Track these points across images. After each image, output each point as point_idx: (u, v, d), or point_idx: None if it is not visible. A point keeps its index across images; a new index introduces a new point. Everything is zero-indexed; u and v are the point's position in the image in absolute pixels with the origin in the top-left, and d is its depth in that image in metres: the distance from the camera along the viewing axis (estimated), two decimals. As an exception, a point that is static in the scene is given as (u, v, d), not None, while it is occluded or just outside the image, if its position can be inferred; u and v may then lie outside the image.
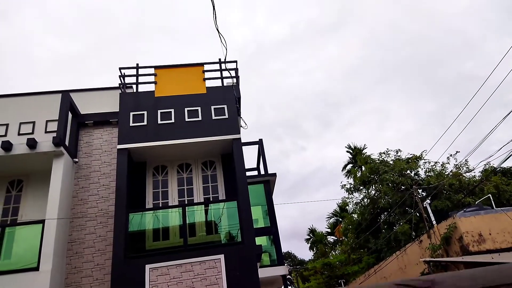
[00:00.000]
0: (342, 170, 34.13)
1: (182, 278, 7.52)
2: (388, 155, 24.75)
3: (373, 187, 24.74)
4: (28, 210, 8.94)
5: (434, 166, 22.99)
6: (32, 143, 8.51)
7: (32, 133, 9.61)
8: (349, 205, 28.73)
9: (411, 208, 20.43)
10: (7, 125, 9.75)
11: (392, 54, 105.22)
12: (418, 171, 23.42)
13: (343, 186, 27.34)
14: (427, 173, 22.94)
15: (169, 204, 9.36)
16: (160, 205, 9.36)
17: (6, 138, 9.32)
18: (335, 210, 37.10)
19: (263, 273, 10.63)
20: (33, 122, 9.79)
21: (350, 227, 27.97)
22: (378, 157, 25.02)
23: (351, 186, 27.19)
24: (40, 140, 8.74)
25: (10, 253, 7.91)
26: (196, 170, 9.99)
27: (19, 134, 9.61)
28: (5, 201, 9.12)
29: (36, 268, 7.47)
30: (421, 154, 23.64)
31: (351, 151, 34.16)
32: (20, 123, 9.78)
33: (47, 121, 9.78)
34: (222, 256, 7.81)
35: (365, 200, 25.72)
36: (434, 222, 15.56)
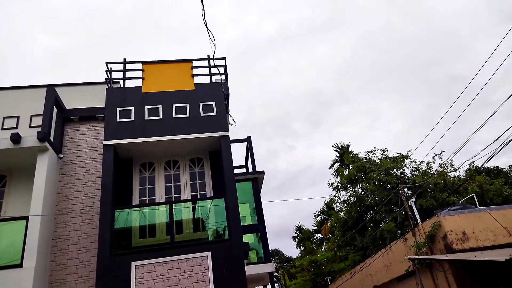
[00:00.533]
0: (330, 169, 34.37)
1: (169, 276, 7.48)
2: (375, 154, 25.00)
3: (360, 186, 24.96)
4: (11, 206, 8.78)
5: (420, 165, 23.32)
6: (16, 138, 8.34)
7: (16, 127, 9.43)
8: (336, 203, 28.96)
9: (396, 206, 20.68)
10: (-11, 119, 9.54)
11: (384, 54, 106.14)
12: (404, 170, 23.73)
13: (330, 185, 27.55)
14: (412, 172, 23.26)
15: (156, 201, 9.30)
16: (147, 202, 9.28)
17: (-11, 132, 9.14)
18: (322, 208, 37.33)
19: (250, 270, 10.65)
20: (17, 117, 9.61)
21: (337, 225, 28.19)
22: (365, 156, 25.25)
23: (338, 184, 27.40)
24: (24, 135, 8.58)
25: (-7, 249, 7.75)
26: (183, 167, 9.94)
27: (2, 128, 9.43)
28: (-12, 197, 8.94)
29: (20, 265, 7.36)
30: (407, 153, 23.96)
31: (339, 150, 34.41)
32: (4, 118, 9.60)
33: (31, 116, 9.59)
34: (209, 254, 7.80)
35: (352, 198, 25.95)
36: (419, 221, 15.78)
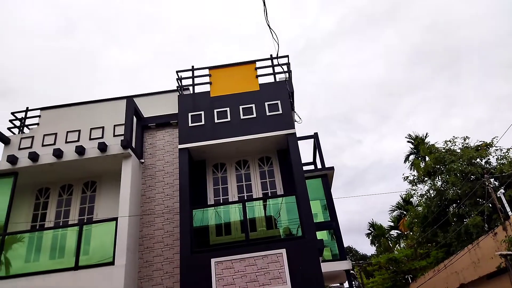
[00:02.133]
0: (405, 162, 32.62)
1: (246, 272, 7.68)
2: (454, 143, 23.24)
3: (439, 178, 23.39)
4: (102, 208, 9.59)
5: (507, 153, 21.19)
6: (102, 147, 9.14)
7: (102, 137, 10.30)
8: (414, 198, 27.44)
9: (482, 198, 19.07)
10: (79, 131, 10.56)
11: (455, 37, 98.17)
12: (489, 159, 21.74)
13: (405, 178, 26.20)
14: (499, 161, 21.21)
15: (229, 200, 9.59)
16: (221, 201, 9.62)
17: (79, 143, 10.12)
18: (398, 202, 35.57)
19: (325, 267, 10.53)
20: (102, 127, 10.50)
21: (416, 220, 26.69)
22: (444, 146, 23.59)
23: (415, 177, 25.94)
24: (110, 144, 9.36)
25: (88, 249, 8.48)
26: (253, 166, 10.13)
27: (90, 139, 10.35)
28: (81, 201, 9.90)
29: (112, 263, 7.96)
30: (492, 141, 21.91)
31: (413, 141, 32.53)
32: (91, 129, 10.54)
33: (114, 126, 10.44)
34: (283, 251, 7.85)
35: (431, 191, 24.40)
36: (510, 213, 14.39)
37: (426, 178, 24.79)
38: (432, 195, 24.18)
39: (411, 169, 31.19)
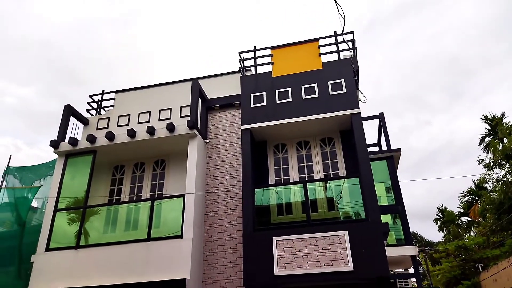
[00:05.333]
0: (480, 144, 30.14)
1: (307, 252, 7.74)
2: (539, 124, 21.01)
3: (519, 162, 21.41)
4: (171, 185, 10.16)
5: None
6: (171, 127, 9.60)
7: (170, 118, 10.81)
8: (488, 183, 25.45)
9: None
10: (149, 112, 11.19)
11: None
12: None
13: (480, 161, 24.36)
14: None
15: (290, 181, 9.64)
16: (282, 182, 9.70)
17: (150, 123, 10.73)
18: (470, 188, 33.18)
19: (389, 252, 10.22)
20: (170, 109, 11.01)
21: (489, 207, 24.82)
22: (526, 127, 21.44)
23: (491, 161, 23.98)
24: (177, 124, 9.79)
25: (159, 222, 9.06)
26: (314, 147, 10.03)
27: (159, 120, 10.92)
28: (152, 178, 10.57)
29: (180, 236, 8.44)
30: None
31: (489, 122, 29.86)
32: (160, 110, 11.10)
33: (181, 107, 10.89)
34: (346, 233, 7.76)
35: (509, 176, 22.46)
36: None
37: (503, 162, 22.81)
38: (510, 180, 22.26)
39: (486, 151, 28.82)
